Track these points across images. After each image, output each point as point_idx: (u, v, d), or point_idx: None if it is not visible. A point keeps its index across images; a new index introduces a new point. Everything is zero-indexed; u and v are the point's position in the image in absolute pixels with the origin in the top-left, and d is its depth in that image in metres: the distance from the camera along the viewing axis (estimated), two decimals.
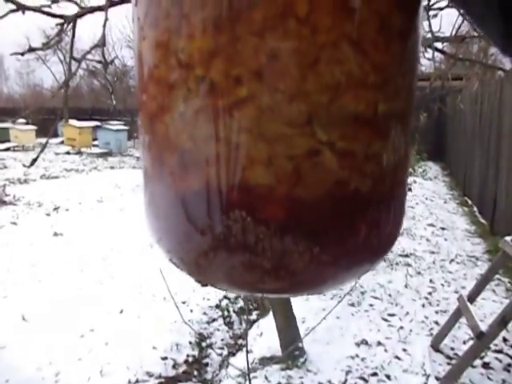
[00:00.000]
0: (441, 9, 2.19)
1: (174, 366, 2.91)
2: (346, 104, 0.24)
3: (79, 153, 15.10)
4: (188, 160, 0.25)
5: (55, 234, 5.64)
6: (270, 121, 0.23)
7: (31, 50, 1.13)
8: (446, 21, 2.85)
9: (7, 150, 14.94)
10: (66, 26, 1.07)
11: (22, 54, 1.15)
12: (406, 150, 0.28)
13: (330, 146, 0.24)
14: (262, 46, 0.23)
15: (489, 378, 2.63)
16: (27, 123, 15.96)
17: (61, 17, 1.09)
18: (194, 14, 0.24)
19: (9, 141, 15.59)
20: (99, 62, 1.29)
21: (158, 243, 0.30)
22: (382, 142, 0.26)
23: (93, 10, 1.08)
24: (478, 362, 2.73)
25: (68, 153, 15.11)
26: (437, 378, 2.61)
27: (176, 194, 0.27)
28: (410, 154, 0.29)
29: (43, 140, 17.57)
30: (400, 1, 0.25)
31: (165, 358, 2.96)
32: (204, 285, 0.29)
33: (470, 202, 7.44)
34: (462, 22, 2.35)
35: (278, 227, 0.24)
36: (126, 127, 16.43)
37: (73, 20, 1.06)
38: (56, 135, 18.97)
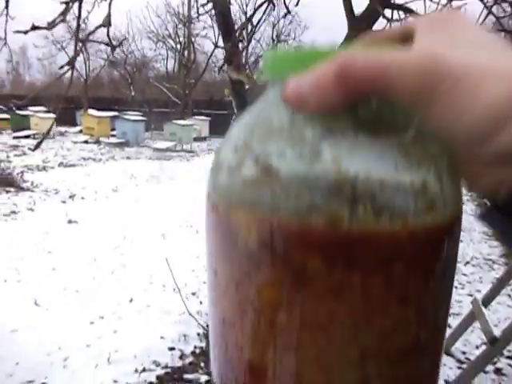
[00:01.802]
0: None
1: (181, 357, 2.92)
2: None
3: (97, 142, 15.26)
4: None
5: (70, 222, 5.71)
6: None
7: (34, 28, 1.13)
8: None
9: (27, 137, 15.17)
10: (71, 4, 1.07)
11: (25, 33, 1.15)
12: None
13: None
14: (317, 337, 0.25)
15: None
16: (48, 111, 16.18)
17: None
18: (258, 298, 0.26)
19: (29, 128, 15.83)
20: (106, 44, 1.29)
21: None
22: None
23: None
24: (489, 367, 2.67)
25: (86, 142, 15.28)
26: (446, 382, 2.55)
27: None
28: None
29: (63, 129, 17.85)
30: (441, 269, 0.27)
31: (172, 349, 2.97)
32: None
33: (488, 203, 7.29)
34: None
35: None
36: (143, 118, 16.54)
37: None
38: (75, 124, 19.20)
